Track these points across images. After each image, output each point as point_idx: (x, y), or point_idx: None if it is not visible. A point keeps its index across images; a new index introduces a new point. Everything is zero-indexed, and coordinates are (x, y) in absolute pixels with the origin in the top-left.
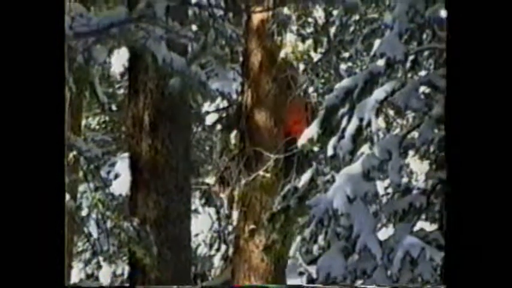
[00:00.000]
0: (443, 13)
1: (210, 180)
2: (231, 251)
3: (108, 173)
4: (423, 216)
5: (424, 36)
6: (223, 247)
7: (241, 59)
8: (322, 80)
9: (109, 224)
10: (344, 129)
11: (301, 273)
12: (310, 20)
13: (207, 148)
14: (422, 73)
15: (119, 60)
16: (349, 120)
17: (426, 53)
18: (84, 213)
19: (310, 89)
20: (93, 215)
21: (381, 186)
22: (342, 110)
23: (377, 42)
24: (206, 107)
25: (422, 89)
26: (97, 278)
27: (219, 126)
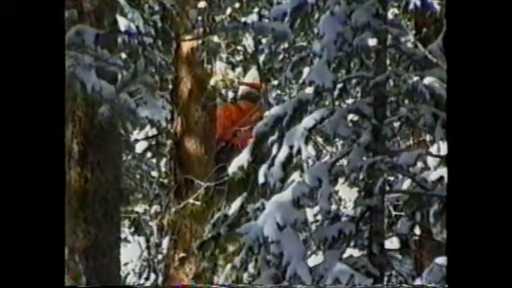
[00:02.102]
0: (370, 42)
1: (140, 208)
2: (160, 279)
3: None
4: (352, 243)
5: (352, 64)
6: (152, 276)
7: (170, 86)
8: None
9: None
10: (274, 157)
11: None
12: (239, 48)
13: (137, 176)
14: (350, 101)
15: None
16: (279, 148)
17: (354, 81)
18: None
19: None
20: None
21: (310, 213)
22: (272, 138)
23: (306, 70)
24: (135, 135)
25: (350, 116)
26: None
27: (149, 154)
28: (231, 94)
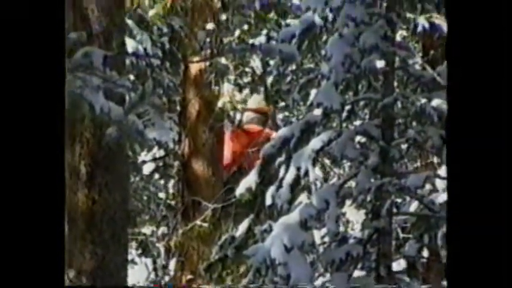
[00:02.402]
0: (378, 64)
1: (147, 230)
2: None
3: None
4: (359, 266)
5: (360, 86)
6: None
7: (178, 108)
8: None
9: None
10: (282, 179)
11: None
12: (247, 69)
13: (145, 198)
14: (357, 123)
15: None
16: (286, 170)
17: (362, 103)
18: None
19: None
20: None
21: (317, 235)
22: (279, 159)
23: (313, 92)
24: (143, 156)
25: (358, 138)
26: None
27: (156, 176)
28: (238, 116)
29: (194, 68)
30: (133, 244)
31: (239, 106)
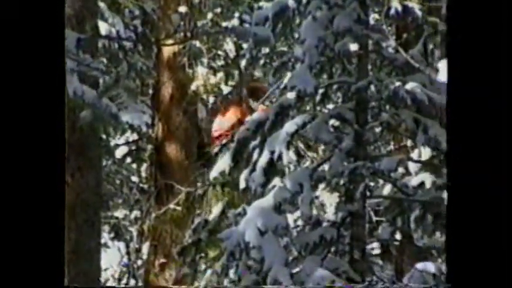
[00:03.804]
0: (352, 47)
1: (120, 213)
2: (140, 285)
3: None
4: (333, 249)
5: (334, 69)
6: (132, 282)
7: (151, 91)
8: None
9: None
10: (255, 162)
11: None
12: (220, 53)
13: (118, 181)
14: (331, 106)
15: None
16: (260, 153)
17: (335, 86)
18: None
19: None
20: None
21: (291, 218)
22: (253, 143)
23: (287, 75)
24: (116, 140)
25: (332, 122)
26: None
27: (129, 159)
28: (211, 99)
29: (167, 50)
30: (106, 228)
31: (212, 89)
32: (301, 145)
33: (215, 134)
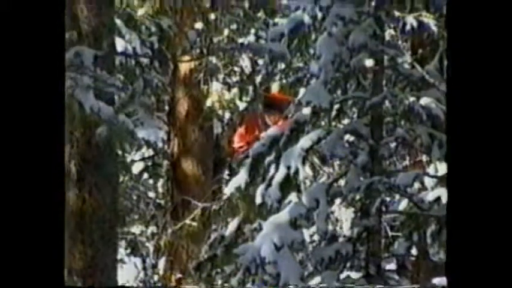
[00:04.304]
0: (367, 62)
1: (136, 229)
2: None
3: None
4: (349, 264)
5: (349, 85)
6: None
7: (167, 107)
8: None
9: None
10: (271, 178)
11: None
12: (236, 68)
13: (134, 197)
14: (346, 121)
15: None
16: (276, 169)
17: (351, 101)
18: None
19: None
20: None
21: (307, 234)
22: (269, 158)
23: (302, 91)
24: (132, 155)
25: (347, 137)
26: None
27: (145, 175)
28: (227, 115)
29: (183, 67)
30: (123, 243)
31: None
32: (316, 160)
33: (237, 145)
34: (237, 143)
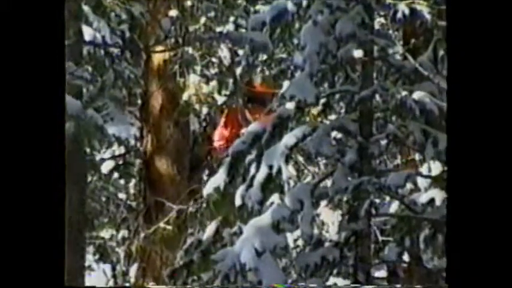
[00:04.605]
0: (356, 53)
1: (106, 233)
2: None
3: None
4: (336, 271)
5: (336, 78)
6: None
7: (140, 101)
8: None
9: None
10: (252, 178)
11: None
12: (214, 60)
13: (103, 198)
14: (333, 117)
15: None
16: (257, 168)
17: (338, 95)
18: None
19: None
20: None
21: (291, 238)
22: (250, 157)
23: (286, 84)
24: (102, 153)
25: (334, 134)
26: None
27: (116, 175)
28: (205, 110)
29: (157, 58)
30: (91, 249)
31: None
32: (301, 159)
33: (216, 143)
34: (215, 140)
